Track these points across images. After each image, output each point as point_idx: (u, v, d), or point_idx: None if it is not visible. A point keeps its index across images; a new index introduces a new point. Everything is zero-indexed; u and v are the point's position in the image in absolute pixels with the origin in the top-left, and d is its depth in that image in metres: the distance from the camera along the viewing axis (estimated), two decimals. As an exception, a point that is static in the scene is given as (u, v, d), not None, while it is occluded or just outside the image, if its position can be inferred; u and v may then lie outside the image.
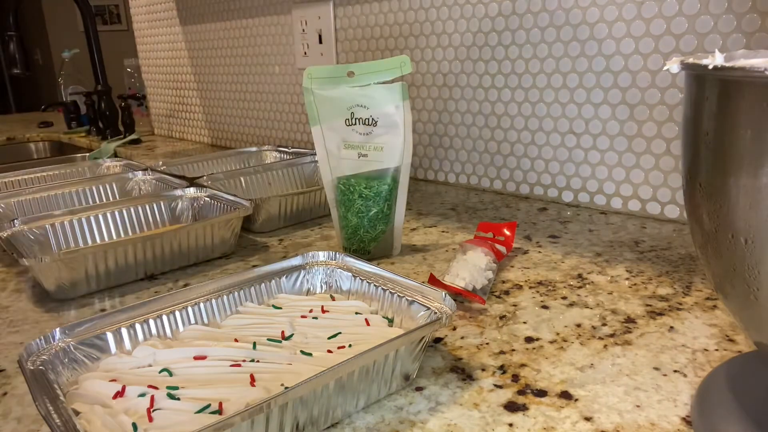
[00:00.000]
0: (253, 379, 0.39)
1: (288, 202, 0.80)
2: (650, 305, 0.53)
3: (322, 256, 0.54)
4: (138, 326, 0.44)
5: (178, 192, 0.80)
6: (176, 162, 1.05)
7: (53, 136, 1.98)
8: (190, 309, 0.47)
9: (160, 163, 1.03)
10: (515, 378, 0.43)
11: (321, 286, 0.53)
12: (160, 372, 0.40)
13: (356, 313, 0.49)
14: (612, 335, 0.48)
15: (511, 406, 0.40)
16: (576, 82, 0.81)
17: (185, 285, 0.63)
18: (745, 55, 0.33)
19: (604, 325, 0.50)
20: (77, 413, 0.36)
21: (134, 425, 0.34)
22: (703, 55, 0.31)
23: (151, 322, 0.45)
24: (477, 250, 0.60)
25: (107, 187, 0.92)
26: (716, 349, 0.45)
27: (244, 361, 0.41)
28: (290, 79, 1.29)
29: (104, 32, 4.55)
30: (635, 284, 0.58)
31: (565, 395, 0.41)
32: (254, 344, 0.43)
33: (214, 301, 0.48)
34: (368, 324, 0.46)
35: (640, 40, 0.74)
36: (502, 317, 0.52)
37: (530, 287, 0.58)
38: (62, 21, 4.89)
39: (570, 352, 0.46)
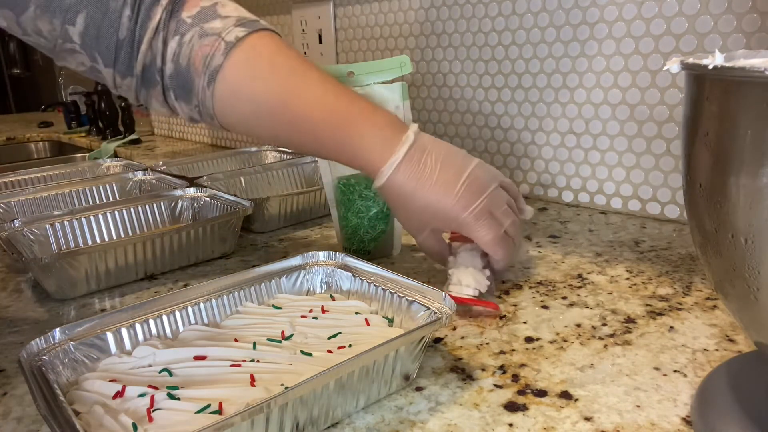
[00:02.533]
0: (253, 379, 0.39)
1: (288, 202, 0.80)
2: (650, 305, 0.53)
3: (322, 256, 0.54)
4: (138, 326, 0.44)
5: (178, 192, 0.80)
6: (176, 162, 1.05)
7: (53, 136, 1.98)
8: (190, 309, 0.47)
9: (160, 163, 1.03)
10: (515, 378, 0.43)
11: (321, 286, 0.53)
12: (160, 372, 0.40)
13: (356, 313, 0.49)
14: (612, 335, 0.48)
15: (511, 406, 0.40)
16: (576, 82, 0.81)
17: (185, 285, 0.63)
18: (745, 55, 0.33)
19: (604, 325, 0.50)
20: (77, 413, 0.36)
21: (134, 425, 0.34)
22: (703, 55, 0.31)
23: (151, 322, 0.45)
24: (467, 248, 0.57)
25: (107, 187, 0.92)
26: (716, 349, 0.46)
27: (244, 361, 0.41)
28: (290, 79, 1.29)
29: (104, 32, 4.54)
30: (635, 284, 0.58)
31: (565, 395, 0.41)
32: (254, 344, 0.43)
33: (214, 301, 0.48)
34: (368, 324, 0.46)
35: (640, 40, 0.74)
36: (502, 317, 0.52)
37: (530, 287, 0.58)
38: (62, 21, 4.89)
39: (570, 352, 0.46)
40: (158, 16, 0.50)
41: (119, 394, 0.38)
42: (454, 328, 0.51)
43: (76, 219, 0.72)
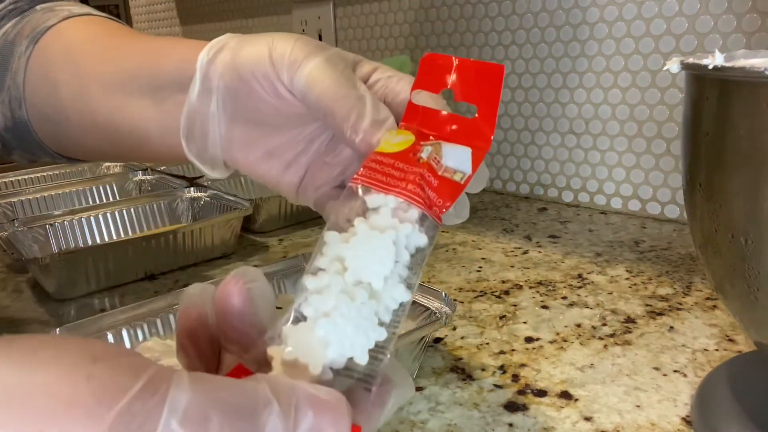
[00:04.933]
0: (253, 379, 0.39)
1: (288, 203, 0.79)
2: (650, 305, 0.53)
3: (322, 256, 0.54)
4: (138, 326, 0.44)
5: (178, 192, 0.80)
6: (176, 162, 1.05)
7: (53, 136, 1.97)
8: (190, 309, 0.47)
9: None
10: (515, 378, 0.43)
11: (321, 286, 0.53)
12: (160, 372, 0.40)
13: (356, 313, 0.48)
14: (612, 335, 0.48)
15: (511, 406, 0.40)
16: (576, 82, 0.81)
17: (185, 285, 0.63)
18: (745, 55, 0.33)
19: (604, 325, 0.50)
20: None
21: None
22: (703, 55, 0.31)
23: (151, 322, 0.45)
24: (381, 216, 0.23)
25: (107, 187, 0.92)
26: (716, 349, 0.45)
27: (244, 361, 0.41)
28: (290, 79, 1.29)
29: (104, 32, 4.54)
30: (635, 284, 0.58)
31: (565, 395, 0.41)
32: (254, 344, 0.43)
33: (214, 301, 0.48)
34: (368, 324, 0.46)
35: (640, 40, 0.74)
36: (502, 317, 0.52)
37: (530, 287, 0.58)
38: (62, 21, 4.88)
39: (570, 352, 0.46)
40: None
41: (119, 394, 0.38)
42: (454, 328, 0.51)
43: (76, 219, 0.72)
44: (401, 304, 0.22)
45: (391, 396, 0.22)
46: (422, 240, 0.23)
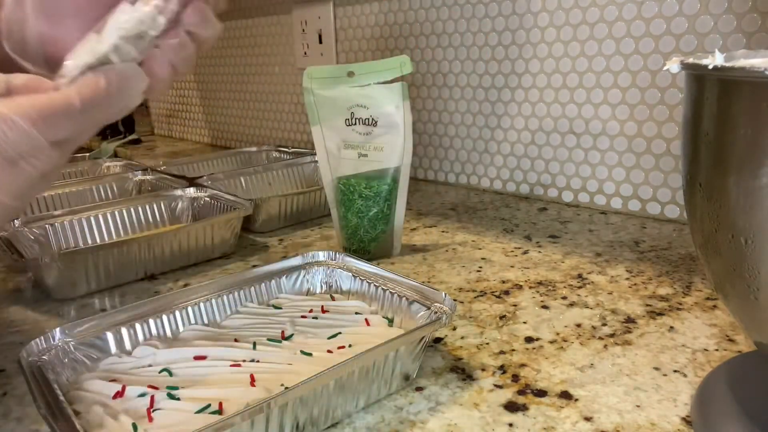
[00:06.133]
0: (253, 379, 0.39)
1: (288, 202, 0.79)
2: (650, 305, 0.53)
3: (322, 256, 0.54)
4: (138, 326, 0.44)
5: (178, 192, 0.80)
6: (176, 162, 1.05)
7: (53, 136, 1.97)
8: (190, 309, 0.47)
9: (161, 162, 1.03)
10: (515, 378, 0.43)
11: (321, 286, 0.53)
12: (160, 372, 0.40)
13: (356, 313, 0.49)
14: (612, 335, 0.48)
15: (511, 406, 0.40)
16: (576, 82, 0.81)
17: (185, 285, 0.63)
18: (745, 55, 0.33)
19: (604, 325, 0.50)
20: (77, 413, 0.36)
21: (134, 425, 0.34)
22: (703, 55, 0.31)
23: (151, 322, 0.45)
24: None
25: (107, 187, 0.92)
26: (716, 349, 0.46)
27: (244, 361, 0.41)
28: (290, 79, 1.29)
29: (104, 32, 4.53)
30: (635, 284, 0.58)
31: (565, 395, 0.41)
32: (254, 344, 0.43)
33: (214, 301, 0.48)
34: (368, 324, 0.47)
35: (640, 40, 0.74)
36: (502, 317, 0.52)
37: (530, 287, 0.58)
38: (62, 21, 4.88)
39: (570, 352, 0.46)
40: None
41: (119, 394, 0.38)
42: (454, 328, 0.51)
43: (76, 219, 0.72)
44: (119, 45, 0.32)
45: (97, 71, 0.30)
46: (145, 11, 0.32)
